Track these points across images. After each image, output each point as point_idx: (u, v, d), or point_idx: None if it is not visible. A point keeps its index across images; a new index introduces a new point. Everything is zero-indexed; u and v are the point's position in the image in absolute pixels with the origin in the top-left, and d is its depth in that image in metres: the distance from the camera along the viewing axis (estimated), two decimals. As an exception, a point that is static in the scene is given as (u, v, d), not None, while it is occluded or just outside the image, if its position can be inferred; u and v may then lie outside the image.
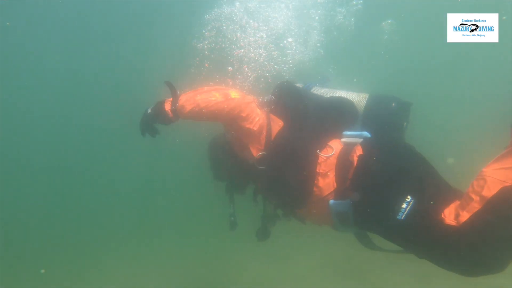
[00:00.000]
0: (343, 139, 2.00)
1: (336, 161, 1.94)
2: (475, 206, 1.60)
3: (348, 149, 1.95)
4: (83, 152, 12.22)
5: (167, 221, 10.24)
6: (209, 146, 2.47)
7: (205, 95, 2.06)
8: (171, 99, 2.15)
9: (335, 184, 1.92)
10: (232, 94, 2.07)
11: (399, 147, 1.98)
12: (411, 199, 1.72)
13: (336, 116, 2.08)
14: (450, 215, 1.67)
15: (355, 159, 1.92)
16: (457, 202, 1.72)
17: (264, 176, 2.08)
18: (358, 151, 1.96)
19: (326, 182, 1.93)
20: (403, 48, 8.97)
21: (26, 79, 10.88)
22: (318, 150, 1.97)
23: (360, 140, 1.97)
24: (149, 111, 2.20)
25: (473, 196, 1.63)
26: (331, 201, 1.91)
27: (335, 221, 1.95)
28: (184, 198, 10.42)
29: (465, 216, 1.61)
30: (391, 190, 1.77)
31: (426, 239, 1.68)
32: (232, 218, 2.32)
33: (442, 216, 1.68)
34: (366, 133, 2.00)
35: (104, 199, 11.69)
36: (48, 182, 12.06)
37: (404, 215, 1.70)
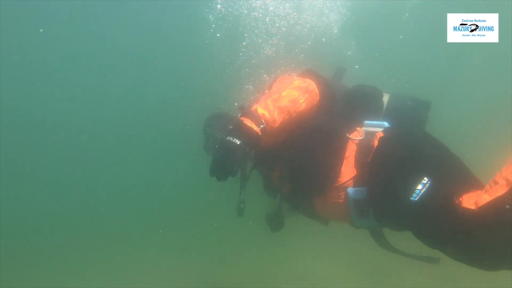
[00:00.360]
0: (364, 128, 1.95)
1: (356, 147, 1.90)
2: (499, 190, 1.47)
3: (369, 135, 1.91)
4: (85, 152, 12.21)
5: (174, 221, 10.15)
6: (211, 123, 2.42)
7: (288, 100, 1.85)
8: (246, 118, 1.82)
9: (354, 171, 1.86)
10: (311, 86, 1.94)
11: (420, 133, 1.92)
12: (427, 181, 1.62)
13: (364, 103, 2.03)
14: (469, 200, 1.55)
15: (376, 143, 1.86)
16: (479, 191, 1.60)
17: (288, 158, 1.98)
18: (379, 136, 1.91)
19: (347, 167, 1.88)
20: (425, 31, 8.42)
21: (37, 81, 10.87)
22: (347, 134, 1.92)
23: (381, 129, 1.93)
24: (235, 141, 1.74)
25: (499, 181, 1.51)
26: (349, 189, 1.85)
27: (351, 211, 1.86)
28: (190, 196, 10.32)
29: (485, 199, 1.48)
30: (407, 170, 1.69)
31: (438, 223, 1.57)
32: (242, 205, 2.20)
33: (460, 200, 1.57)
34: (386, 123, 1.97)
35: (108, 199, 11.67)
36: (49, 182, 12.05)
37: (418, 196, 1.61)
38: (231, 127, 1.89)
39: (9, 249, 9.20)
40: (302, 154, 1.93)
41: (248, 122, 1.81)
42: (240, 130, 1.79)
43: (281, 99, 1.86)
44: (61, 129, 11.64)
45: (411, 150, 1.77)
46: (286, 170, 2.01)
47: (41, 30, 8.88)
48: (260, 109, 1.83)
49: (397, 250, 1.95)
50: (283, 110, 1.83)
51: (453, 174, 1.68)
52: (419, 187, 1.62)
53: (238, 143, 1.75)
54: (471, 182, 1.67)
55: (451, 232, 1.53)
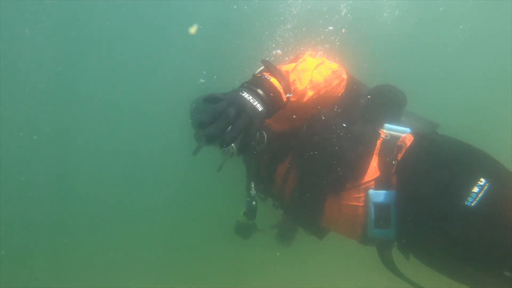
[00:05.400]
0: (386, 131, 1.71)
1: (381, 146, 1.64)
2: None
3: (394, 137, 1.68)
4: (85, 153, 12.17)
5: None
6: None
7: (323, 77, 1.53)
8: (272, 77, 1.36)
9: (378, 171, 1.60)
10: (344, 75, 1.66)
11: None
12: (485, 183, 1.32)
13: (392, 104, 1.77)
14: None
15: (407, 142, 1.61)
16: None
17: (307, 147, 1.69)
18: (409, 136, 1.66)
19: (370, 167, 1.62)
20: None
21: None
22: (378, 129, 1.69)
23: (404, 134, 1.69)
24: (257, 106, 1.20)
25: None
26: (371, 190, 1.57)
27: (369, 219, 1.57)
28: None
29: None
30: (457, 169, 1.39)
31: (506, 235, 1.25)
32: (254, 203, 1.86)
33: None
34: (408, 130, 1.72)
35: (107, 199, 11.62)
36: (50, 183, 12.03)
37: (475, 201, 1.30)
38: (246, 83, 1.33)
39: (9, 249, 9.18)
40: (325, 143, 1.65)
41: (275, 83, 1.33)
42: (266, 90, 1.27)
43: (316, 73, 1.51)
44: (60, 128, 11.61)
45: (459, 146, 1.50)
46: (302, 161, 1.71)
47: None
48: (291, 75, 1.43)
49: (405, 277, 1.67)
50: (314, 86, 1.48)
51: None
52: (475, 189, 1.32)
53: (260, 110, 1.20)
54: None
55: None
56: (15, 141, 11.48)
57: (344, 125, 1.66)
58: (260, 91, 1.26)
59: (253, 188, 1.88)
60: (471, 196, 1.30)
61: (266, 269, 6.99)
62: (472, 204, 1.29)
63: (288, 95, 1.35)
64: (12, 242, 9.75)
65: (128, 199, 11.34)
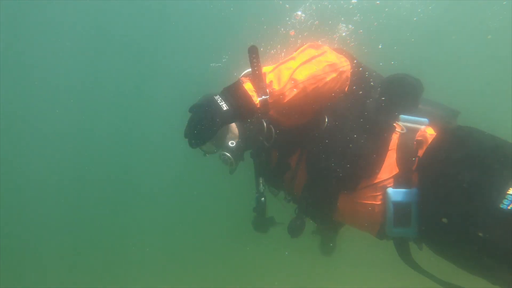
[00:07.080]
0: (402, 123, 1.62)
1: (399, 141, 1.56)
2: None
3: (411, 131, 1.59)
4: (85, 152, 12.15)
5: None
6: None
7: (309, 73, 1.45)
8: (247, 80, 1.44)
9: (396, 168, 1.52)
10: (344, 67, 1.54)
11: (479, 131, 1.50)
12: None
13: (407, 95, 1.65)
14: None
15: (428, 137, 1.53)
16: None
17: (317, 142, 1.61)
18: (429, 131, 1.58)
19: (388, 163, 1.54)
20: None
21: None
22: (394, 123, 1.59)
23: (422, 126, 1.61)
24: (222, 105, 1.37)
25: None
26: (390, 189, 1.50)
27: (388, 217, 1.50)
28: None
29: None
30: (489, 169, 1.29)
31: None
32: (263, 199, 1.81)
33: None
34: (427, 120, 1.63)
35: (107, 199, 11.60)
36: (50, 182, 12.01)
37: (511, 204, 1.21)
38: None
39: (9, 249, 9.17)
40: (337, 138, 1.57)
41: (248, 86, 1.42)
42: (234, 93, 1.40)
43: (300, 70, 1.46)
44: (59, 128, 11.59)
45: (490, 142, 1.38)
46: (311, 157, 1.64)
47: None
48: (269, 75, 1.45)
49: (422, 269, 1.60)
50: (297, 84, 1.44)
51: None
52: (511, 191, 1.22)
53: (225, 109, 1.37)
54: None
55: None
56: (15, 140, 11.49)
57: (356, 119, 1.58)
58: (229, 95, 1.42)
59: (261, 184, 1.84)
60: (506, 199, 1.21)
61: (271, 268, 7.00)
62: (509, 207, 1.20)
63: (264, 97, 1.41)
64: (16, 241, 9.76)
65: (132, 198, 11.34)
